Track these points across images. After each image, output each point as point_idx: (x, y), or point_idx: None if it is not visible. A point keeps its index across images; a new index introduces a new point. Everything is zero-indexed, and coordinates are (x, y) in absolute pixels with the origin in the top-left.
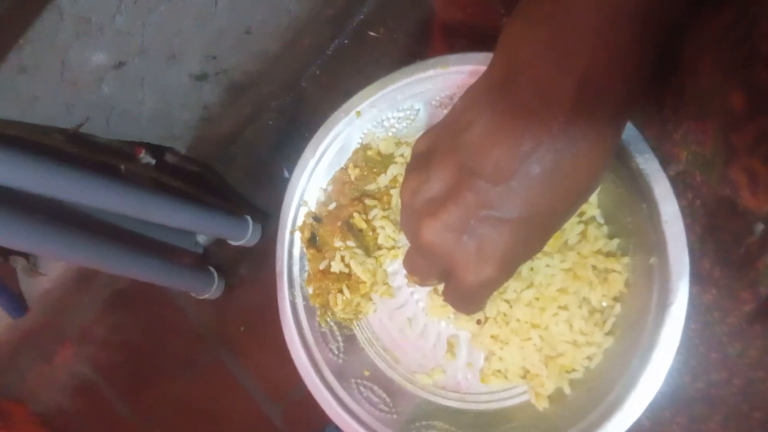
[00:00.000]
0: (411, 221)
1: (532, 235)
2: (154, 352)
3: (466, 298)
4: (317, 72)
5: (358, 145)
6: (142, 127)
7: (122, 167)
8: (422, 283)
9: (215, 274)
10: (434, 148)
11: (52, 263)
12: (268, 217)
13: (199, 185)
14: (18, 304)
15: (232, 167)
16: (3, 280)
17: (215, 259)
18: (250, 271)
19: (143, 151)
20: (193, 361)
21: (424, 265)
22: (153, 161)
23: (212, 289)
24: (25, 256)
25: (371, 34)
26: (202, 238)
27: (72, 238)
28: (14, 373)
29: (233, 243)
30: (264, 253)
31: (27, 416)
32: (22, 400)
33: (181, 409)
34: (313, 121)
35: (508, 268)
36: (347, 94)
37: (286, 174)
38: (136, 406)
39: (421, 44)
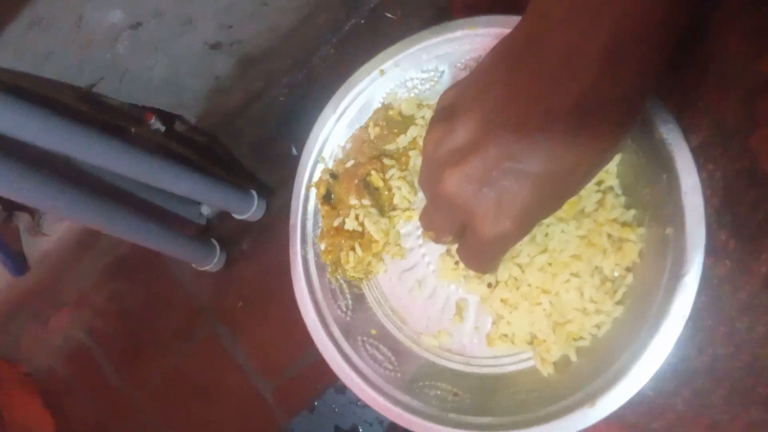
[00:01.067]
0: (432, 172)
1: (552, 191)
2: (150, 322)
3: (482, 252)
4: (331, 51)
5: (380, 105)
6: (153, 92)
7: (132, 130)
8: (437, 239)
9: (217, 246)
10: (460, 102)
11: (56, 224)
12: (273, 193)
13: (207, 156)
14: (19, 262)
15: (240, 141)
16: (5, 238)
17: (218, 231)
18: (252, 246)
19: (153, 117)
20: (188, 334)
21: (442, 218)
22: (162, 128)
23: (213, 262)
24: (30, 213)
25: (388, 15)
26: (206, 210)
27: (78, 196)
28: (8, 334)
29: (237, 216)
30: (267, 230)
31: (19, 377)
32: (16, 361)
33: (173, 380)
34: (323, 99)
35: (526, 223)
36: None
37: (294, 151)
38: (129, 375)
39: None
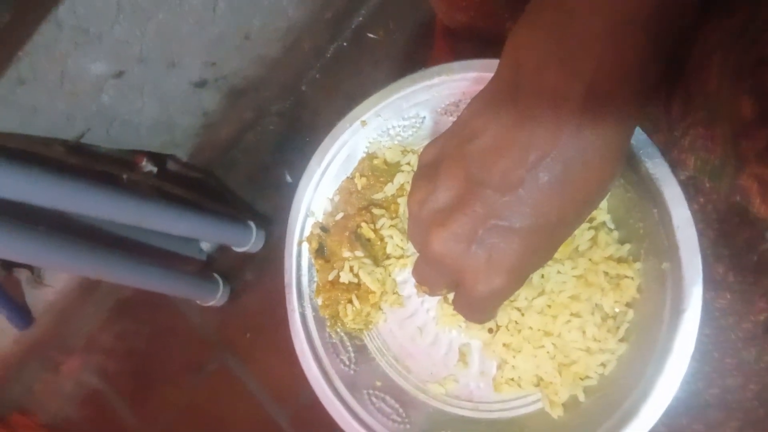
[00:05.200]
0: (419, 232)
1: (542, 244)
2: (159, 359)
3: (477, 308)
4: (317, 75)
5: (364, 155)
6: (143, 136)
7: (124, 176)
8: (432, 293)
9: (220, 281)
10: (441, 158)
11: (57, 274)
12: (272, 222)
13: (202, 192)
14: (23, 315)
15: (234, 172)
16: (8, 292)
17: (219, 265)
18: (255, 277)
19: (144, 160)
20: (198, 368)
21: (434, 275)
22: (154, 169)
23: (217, 296)
24: (29, 267)
25: (370, 36)
26: (205, 245)
27: (75, 249)
28: (21, 385)
29: (237, 249)
30: (268, 259)
31: (34, 427)
32: (30, 411)
33: (187, 415)
34: (314, 124)
35: (518, 278)
36: (347, 97)
37: (288, 178)
38: (143, 414)
39: (421, 46)
